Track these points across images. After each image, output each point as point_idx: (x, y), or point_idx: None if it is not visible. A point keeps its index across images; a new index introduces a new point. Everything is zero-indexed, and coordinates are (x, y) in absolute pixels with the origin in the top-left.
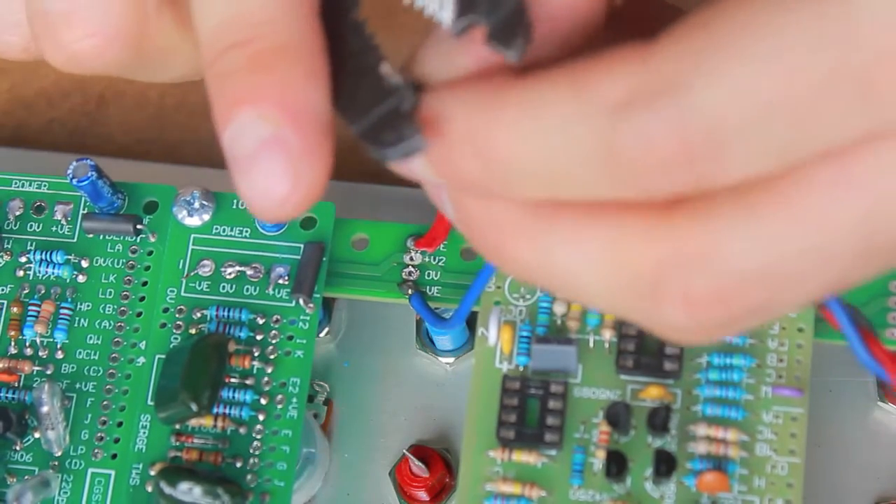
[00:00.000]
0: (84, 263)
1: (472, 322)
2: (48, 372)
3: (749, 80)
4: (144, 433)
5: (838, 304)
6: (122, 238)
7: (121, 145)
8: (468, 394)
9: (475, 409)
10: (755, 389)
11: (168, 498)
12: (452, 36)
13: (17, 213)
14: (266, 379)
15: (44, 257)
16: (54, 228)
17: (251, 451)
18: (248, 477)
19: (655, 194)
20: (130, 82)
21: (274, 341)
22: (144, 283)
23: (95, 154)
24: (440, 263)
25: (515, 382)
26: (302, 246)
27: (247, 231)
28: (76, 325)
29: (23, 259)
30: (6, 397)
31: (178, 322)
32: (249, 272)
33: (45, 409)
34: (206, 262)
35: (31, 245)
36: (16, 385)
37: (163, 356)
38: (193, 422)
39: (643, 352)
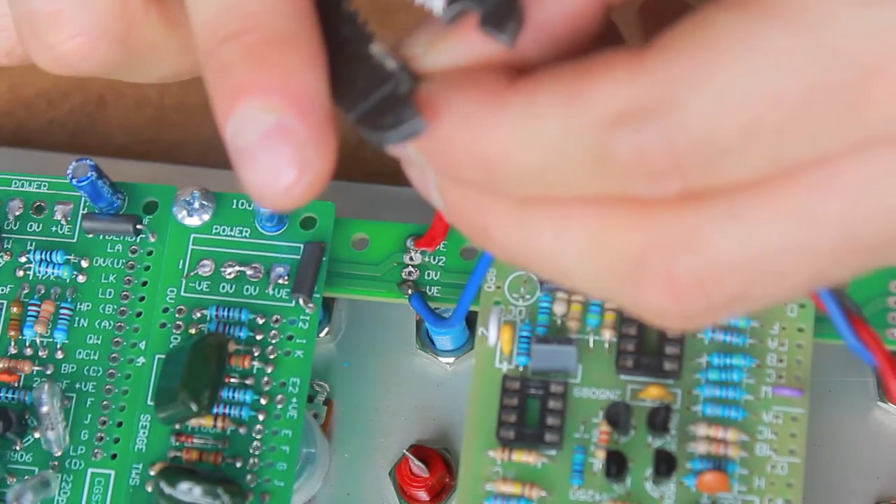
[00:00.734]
0: (84, 263)
1: (472, 322)
2: (48, 372)
3: (734, 97)
4: (144, 433)
5: (825, 289)
6: (121, 238)
7: (121, 145)
8: (468, 394)
9: (475, 409)
10: (755, 389)
11: (168, 498)
12: (444, 23)
13: (17, 213)
14: (266, 379)
15: (44, 257)
16: (54, 228)
17: (251, 451)
18: (248, 477)
19: (645, 195)
20: (130, 83)
21: (274, 341)
22: (144, 283)
23: (95, 154)
24: (440, 263)
25: (515, 382)
26: (302, 246)
27: (247, 231)
28: (76, 325)
29: (23, 259)
30: (6, 397)
31: (177, 322)
32: (249, 272)
33: (44, 409)
34: (205, 262)
35: (31, 245)
36: (16, 385)
37: (163, 356)
38: (193, 422)
39: (643, 352)
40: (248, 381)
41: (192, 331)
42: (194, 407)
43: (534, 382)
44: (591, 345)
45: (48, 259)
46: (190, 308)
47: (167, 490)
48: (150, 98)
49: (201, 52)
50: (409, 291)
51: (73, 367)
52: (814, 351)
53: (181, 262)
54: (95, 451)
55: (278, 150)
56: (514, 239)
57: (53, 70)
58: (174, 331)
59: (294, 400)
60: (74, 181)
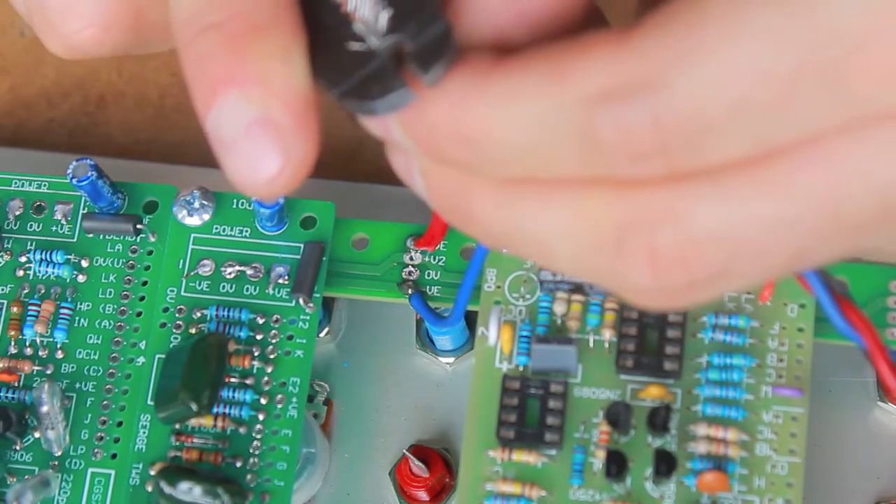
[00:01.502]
0: (84, 263)
1: (471, 322)
2: (48, 372)
3: (722, 76)
4: (144, 433)
5: (812, 271)
6: (122, 238)
7: (121, 146)
8: (468, 393)
9: (475, 408)
10: (755, 389)
11: (168, 498)
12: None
13: (17, 213)
14: (266, 379)
15: (44, 257)
16: (54, 228)
17: (251, 450)
18: (248, 476)
19: (629, 175)
20: (130, 83)
21: (274, 341)
22: (144, 283)
23: (95, 154)
24: (440, 263)
25: (515, 382)
26: (302, 246)
27: (247, 231)
28: (76, 324)
29: (23, 259)
30: (6, 397)
31: (178, 322)
32: (249, 272)
33: (44, 408)
34: (206, 261)
35: (31, 245)
36: (16, 385)
37: (163, 356)
38: (193, 421)
39: (643, 351)
40: (248, 381)
41: (193, 330)
42: (194, 406)
43: (534, 382)
44: (592, 344)
45: (48, 259)
46: (190, 308)
47: (167, 490)
48: (150, 98)
49: (180, 42)
50: (410, 291)
51: (73, 367)
52: (814, 351)
53: (181, 261)
54: (95, 450)
55: (261, 140)
56: (496, 220)
57: (69, 57)
58: (174, 330)
59: (294, 400)
60: (74, 181)
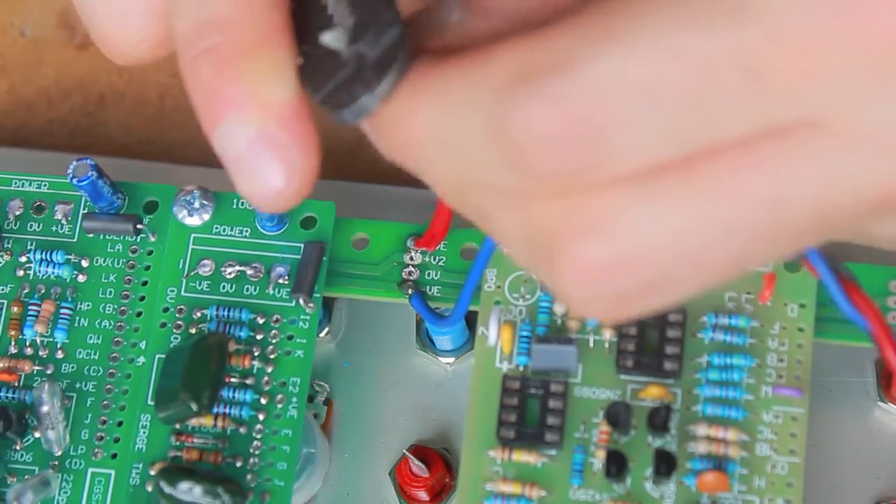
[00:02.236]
0: (84, 263)
1: (472, 322)
2: (48, 371)
3: (632, 58)
4: (144, 433)
5: (818, 254)
6: (122, 238)
7: (121, 146)
8: (468, 393)
9: (475, 408)
10: (755, 389)
11: (168, 497)
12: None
13: (18, 213)
14: (266, 378)
15: (44, 257)
16: (54, 228)
17: (251, 450)
18: (249, 476)
19: (555, 182)
20: (130, 83)
21: (274, 341)
22: (144, 283)
23: (95, 154)
24: (440, 263)
25: (515, 382)
26: (302, 245)
27: (247, 231)
28: (76, 324)
29: (23, 259)
30: (6, 397)
31: (178, 322)
32: (249, 272)
33: (45, 408)
34: (206, 261)
35: (32, 245)
36: (16, 385)
37: (163, 356)
38: (193, 421)
39: (643, 351)
40: (248, 381)
41: (193, 330)
42: (194, 406)
43: (534, 382)
44: (592, 344)
45: (48, 259)
46: (190, 308)
47: (167, 490)
48: (150, 98)
49: (181, 62)
50: (410, 291)
51: (73, 367)
52: (814, 351)
53: (181, 261)
54: (96, 450)
55: (263, 158)
56: (465, 213)
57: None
58: (174, 330)
59: (294, 399)
60: (75, 181)
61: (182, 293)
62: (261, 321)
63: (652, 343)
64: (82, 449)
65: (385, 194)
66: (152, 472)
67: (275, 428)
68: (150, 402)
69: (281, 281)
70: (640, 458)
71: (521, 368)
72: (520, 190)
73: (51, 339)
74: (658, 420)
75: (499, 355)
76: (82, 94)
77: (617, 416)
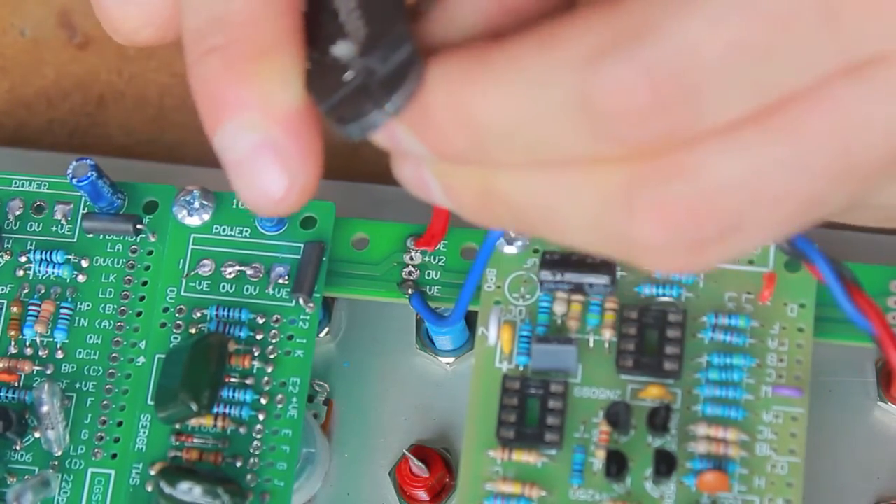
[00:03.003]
0: (84, 263)
1: (471, 322)
2: (48, 372)
3: (713, 20)
4: (144, 433)
5: (822, 257)
6: (122, 238)
7: (121, 146)
8: (468, 393)
9: (475, 408)
10: (755, 389)
11: (168, 498)
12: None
13: (17, 213)
14: (266, 378)
15: (44, 257)
16: (54, 228)
17: (251, 450)
18: (248, 476)
19: (636, 147)
20: (130, 83)
21: (274, 341)
22: (144, 283)
23: (95, 154)
24: (440, 263)
25: (515, 382)
26: (302, 245)
27: (247, 231)
28: (76, 324)
29: (23, 259)
30: (6, 397)
31: (178, 322)
32: (249, 272)
33: (45, 408)
34: (206, 261)
35: (31, 245)
36: (16, 385)
37: (163, 356)
38: (193, 421)
39: (643, 351)
40: (248, 381)
41: (193, 330)
42: (194, 406)
43: (534, 382)
44: (591, 344)
45: (48, 259)
46: (190, 308)
47: (167, 490)
48: (150, 98)
49: (188, 60)
50: (410, 291)
51: (73, 367)
52: (814, 351)
53: (181, 261)
54: (95, 450)
55: (265, 164)
56: (515, 208)
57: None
58: (174, 330)
59: (294, 399)
60: (75, 181)
61: (182, 293)
62: (261, 321)
63: (652, 343)
64: (82, 449)
65: (385, 194)
66: (152, 473)
67: (275, 428)
68: (150, 403)
69: (281, 281)
70: (640, 458)
71: (521, 368)
72: (603, 158)
73: (51, 340)
74: (658, 420)
75: (499, 355)
76: (82, 94)
77: (617, 416)
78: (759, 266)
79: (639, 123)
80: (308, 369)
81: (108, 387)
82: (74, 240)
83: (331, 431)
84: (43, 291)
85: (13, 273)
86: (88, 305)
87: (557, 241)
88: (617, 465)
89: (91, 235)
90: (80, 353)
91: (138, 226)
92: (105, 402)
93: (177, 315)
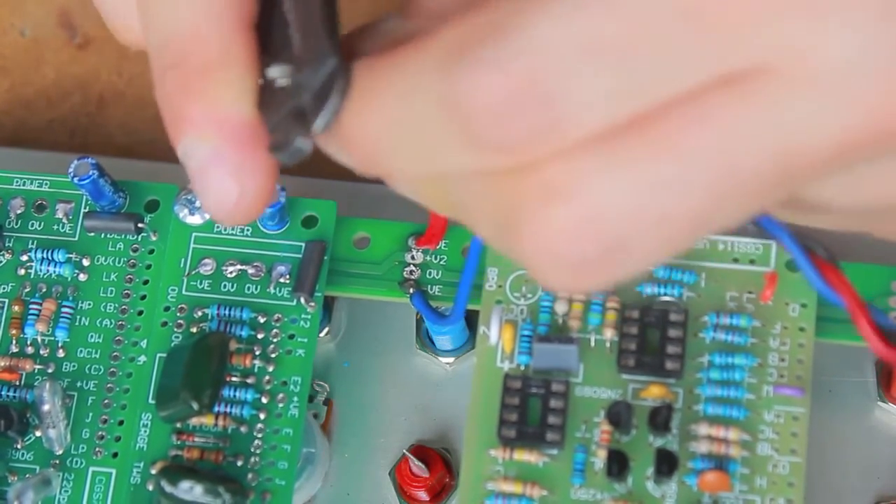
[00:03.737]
0: (85, 262)
1: (472, 322)
2: (49, 370)
3: (567, 18)
4: (145, 432)
5: (786, 233)
6: (123, 237)
7: (121, 146)
8: (470, 393)
9: (476, 408)
10: (757, 389)
11: (169, 497)
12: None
13: (19, 212)
14: (267, 378)
15: (45, 256)
16: (55, 227)
17: (252, 449)
18: (250, 475)
19: (513, 153)
20: (130, 83)
21: (275, 340)
22: (146, 282)
23: (96, 154)
24: (441, 262)
25: (517, 381)
26: (303, 245)
27: (248, 230)
28: (77, 323)
29: (24, 257)
30: (7, 396)
31: (179, 321)
32: (251, 271)
33: (46, 407)
34: (207, 260)
35: (33, 243)
36: (17, 383)
37: (164, 355)
38: (194, 420)
39: (645, 351)
40: (249, 380)
41: (194, 329)
42: (195, 405)
43: (535, 381)
44: (593, 344)
45: (49, 257)
46: (191, 307)
47: (168, 489)
48: (150, 99)
49: (154, 79)
50: (411, 290)
51: (74, 366)
52: (815, 350)
53: (182, 260)
54: (97, 449)
55: (217, 175)
56: (442, 206)
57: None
58: (175, 329)
59: (295, 398)
60: (76, 180)
61: (183, 292)
62: (262, 320)
63: (653, 342)
64: (83, 448)
65: (386, 193)
66: (153, 471)
67: (276, 427)
68: (152, 401)
69: (282, 280)
70: (642, 457)
71: (523, 368)
72: (482, 168)
73: (52, 338)
74: (659, 419)
75: (500, 355)
76: (82, 94)
77: (618, 415)
78: (761, 265)
79: (497, 123)
80: (309, 368)
81: (109, 385)
82: (76, 238)
83: (331, 431)
84: (44, 290)
85: (14, 272)
86: (90, 304)
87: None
88: (618, 464)
89: (92, 234)
90: (81, 351)
91: (139, 224)
92: (106, 401)
93: (178, 314)
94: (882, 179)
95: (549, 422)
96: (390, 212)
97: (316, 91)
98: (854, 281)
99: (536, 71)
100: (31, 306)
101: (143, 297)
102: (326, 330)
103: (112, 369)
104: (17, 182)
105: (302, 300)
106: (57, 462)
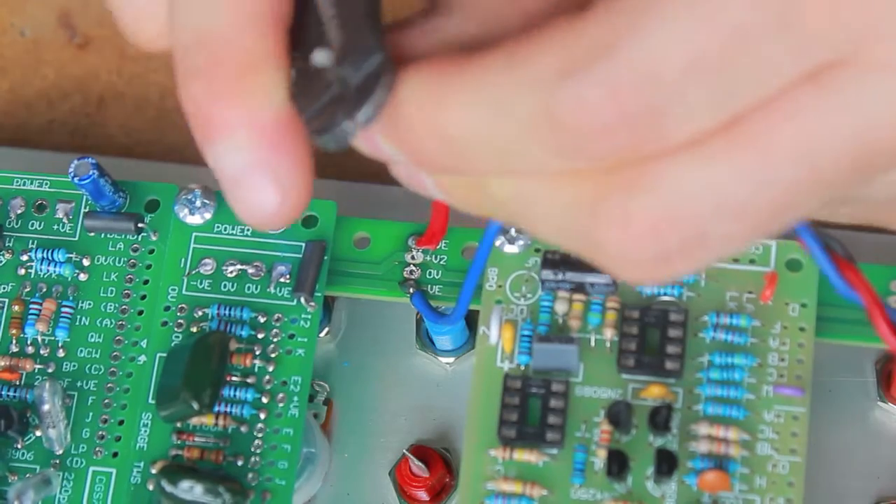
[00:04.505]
0: (85, 262)
1: (472, 322)
2: (49, 370)
3: (672, 35)
4: (146, 431)
5: (809, 231)
6: (123, 236)
7: (121, 146)
8: (469, 393)
9: (476, 408)
10: (756, 389)
11: (169, 496)
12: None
13: (19, 212)
14: (267, 377)
15: (45, 255)
16: (56, 227)
17: (252, 449)
18: (250, 475)
19: (605, 161)
20: (130, 84)
21: (275, 340)
22: (146, 282)
23: (96, 154)
24: (441, 262)
25: (517, 381)
26: (303, 244)
27: (248, 229)
28: (77, 323)
29: (24, 257)
30: (8, 395)
31: (179, 320)
32: (251, 271)
33: (46, 407)
34: (207, 260)
35: (33, 243)
36: (17, 383)
37: (164, 354)
38: (195, 420)
39: (644, 351)
40: (249, 380)
41: (194, 329)
42: (196, 405)
43: (535, 381)
44: (593, 343)
45: (50, 257)
46: (191, 306)
47: (168, 488)
48: (150, 99)
49: (178, 76)
50: (411, 290)
51: (74, 366)
52: (815, 350)
53: (183, 260)
54: (97, 449)
55: (257, 181)
56: (496, 203)
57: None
58: (176, 329)
59: (295, 398)
60: (76, 180)
61: (183, 292)
62: (262, 320)
63: (653, 342)
64: (83, 447)
65: (386, 193)
66: (153, 471)
67: (276, 427)
68: (152, 401)
69: (282, 280)
70: (642, 457)
71: (523, 368)
72: (568, 168)
73: (52, 338)
74: (659, 419)
75: (500, 354)
76: (82, 95)
77: (618, 415)
78: (761, 265)
79: (603, 140)
80: (309, 368)
81: (109, 385)
82: (76, 238)
83: (331, 431)
84: (44, 290)
85: (15, 271)
86: (90, 304)
87: (537, 237)
88: (618, 464)
89: (92, 234)
90: (81, 351)
91: (140, 224)
92: (106, 401)
93: (178, 314)
94: None
95: (549, 422)
96: (390, 212)
97: (359, 84)
98: None
99: (642, 89)
100: (31, 306)
101: (144, 297)
102: (326, 330)
103: (112, 369)
104: (17, 182)
105: (302, 300)
106: (57, 462)
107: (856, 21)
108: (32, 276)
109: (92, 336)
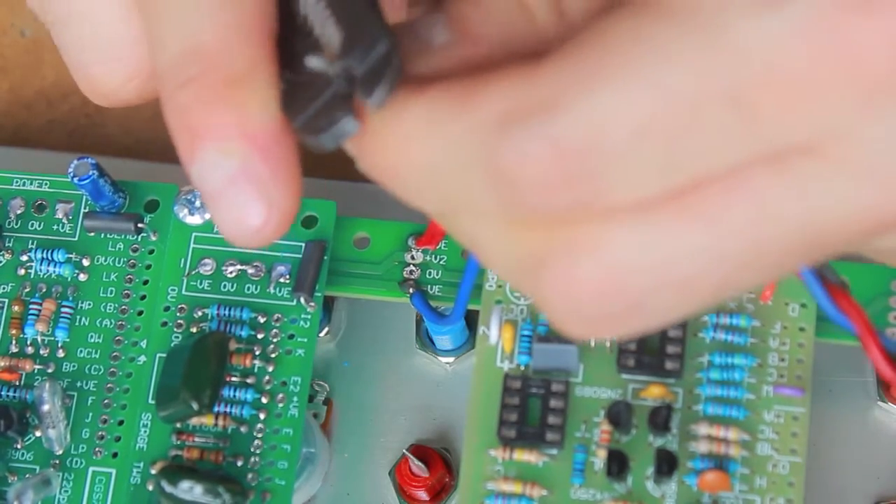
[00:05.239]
0: (85, 262)
1: (472, 322)
2: (49, 370)
3: (623, 101)
4: (145, 432)
5: None
6: (123, 237)
7: (120, 146)
8: (469, 393)
9: (476, 408)
10: (756, 389)
11: (169, 496)
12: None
13: (19, 212)
14: (267, 377)
15: (45, 256)
16: (55, 227)
17: (252, 449)
18: (249, 475)
19: (549, 216)
20: None
21: (275, 340)
22: (146, 282)
23: (95, 155)
24: (441, 262)
25: (517, 381)
26: (303, 244)
27: None
28: (77, 323)
29: (24, 258)
30: (7, 396)
31: (179, 321)
32: (251, 271)
33: (45, 407)
34: (207, 260)
35: (33, 244)
36: (17, 383)
37: (164, 355)
38: (194, 420)
39: (644, 351)
40: (249, 380)
41: (194, 329)
42: (195, 405)
43: (535, 381)
44: (593, 344)
45: (49, 257)
46: (191, 307)
47: (168, 489)
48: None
49: (163, 96)
50: (411, 290)
51: (74, 366)
52: (815, 350)
53: (182, 260)
54: (96, 449)
55: (243, 193)
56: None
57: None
58: (175, 329)
59: (295, 398)
60: (76, 180)
61: (183, 292)
62: (262, 320)
63: (653, 342)
64: (83, 448)
65: (386, 193)
66: (153, 471)
67: (276, 427)
68: (151, 401)
69: (282, 280)
70: (642, 457)
71: (523, 368)
72: (510, 219)
73: (52, 338)
74: (659, 419)
75: (500, 355)
76: (82, 95)
77: (618, 415)
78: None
79: (544, 196)
80: (309, 368)
81: (109, 385)
82: (76, 239)
83: (331, 431)
84: (44, 290)
85: (14, 272)
86: (89, 304)
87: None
88: (618, 464)
89: (92, 234)
90: (81, 351)
91: (139, 225)
92: (106, 401)
93: (178, 314)
94: None
95: (548, 422)
96: (390, 212)
97: (367, 71)
98: (854, 281)
99: (585, 149)
100: (31, 306)
101: (143, 297)
102: (326, 330)
103: (112, 369)
104: (17, 182)
105: (302, 300)
106: (57, 462)
107: (814, 116)
108: (32, 276)
109: (92, 336)
